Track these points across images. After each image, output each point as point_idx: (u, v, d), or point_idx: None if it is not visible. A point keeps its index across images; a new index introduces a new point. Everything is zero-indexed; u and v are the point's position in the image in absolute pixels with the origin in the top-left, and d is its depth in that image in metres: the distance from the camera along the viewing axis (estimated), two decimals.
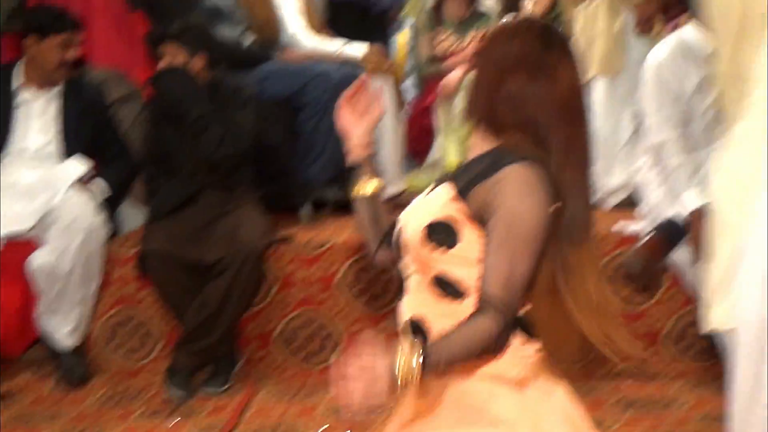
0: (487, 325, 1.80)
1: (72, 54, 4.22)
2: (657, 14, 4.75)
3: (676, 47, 3.83)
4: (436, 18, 5.60)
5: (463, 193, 1.92)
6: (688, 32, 3.85)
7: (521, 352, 1.93)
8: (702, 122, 3.80)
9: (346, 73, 4.75)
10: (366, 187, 2.16)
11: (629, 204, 4.45)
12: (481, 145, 2.03)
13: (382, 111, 2.21)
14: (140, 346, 4.24)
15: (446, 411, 1.93)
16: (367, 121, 2.18)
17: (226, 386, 4.01)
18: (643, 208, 4.06)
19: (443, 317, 1.92)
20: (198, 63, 4.16)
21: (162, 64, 4.19)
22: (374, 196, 2.17)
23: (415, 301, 1.98)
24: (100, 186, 4.24)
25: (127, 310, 4.24)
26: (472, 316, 1.84)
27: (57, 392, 4.09)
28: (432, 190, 2.02)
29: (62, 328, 4.07)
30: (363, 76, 4.71)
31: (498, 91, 1.96)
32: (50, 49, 4.18)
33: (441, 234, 1.91)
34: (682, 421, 3.45)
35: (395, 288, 3.97)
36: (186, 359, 3.97)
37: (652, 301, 4.06)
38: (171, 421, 3.73)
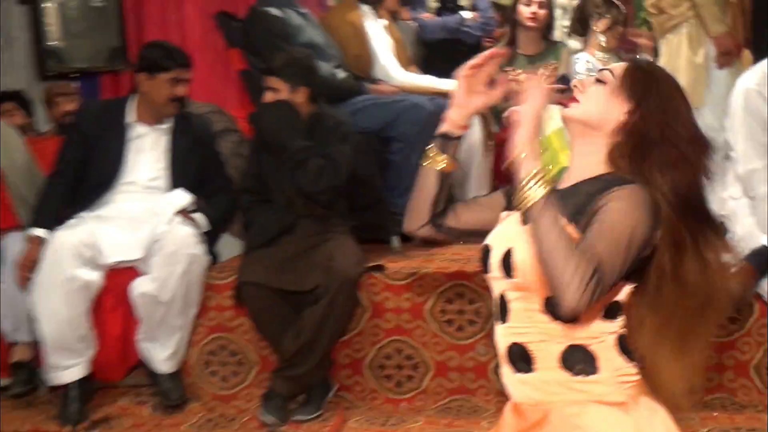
0: (583, 265, 1.74)
1: (181, 90, 4.28)
2: (736, 47, 4.71)
3: (764, 75, 3.75)
4: (509, 55, 5.53)
5: (574, 217, 1.90)
6: None
7: (625, 373, 1.94)
8: None
9: (438, 106, 4.75)
10: (438, 162, 2.11)
11: None
12: (589, 170, 2.02)
13: (498, 97, 2.17)
14: (235, 372, 4.25)
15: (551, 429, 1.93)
16: (479, 100, 2.14)
17: (319, 413, 4.00)
18: (731, 238, 3.96)
19: (549, 341, 1.93)
20: (300, 96, 4.17)
21: (266, 98, 4.21)
22: (442, 174, 2.13)
23: (519, 326, 1.96)
24: (202, 218, 4.29)
25: (223, 338, 4.26)
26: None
27: (155, 417, 4.11)
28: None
29: (161, 354, 4.10)
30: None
31: (662, 134, 1.95)
32: (160, 86, 4.25)
33: None
34: None
35: (484, 318, 3.99)
36: (282, 386, 3.98)
37: (742, 331, 3.95)
38: None
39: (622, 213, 1.84)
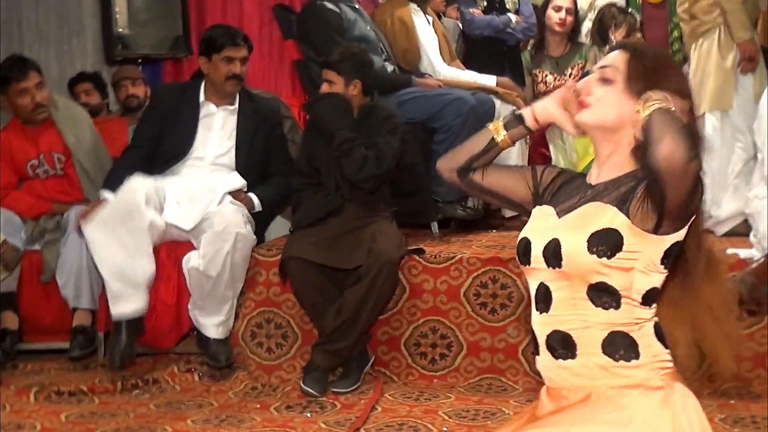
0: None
1: (237, 68, 4.37)
2: (758, 53, 4.69)
3: None
4: (536, 57, 5.55)
5: (621, 206, 1.92)
6: None
7: (662, 359, 1.95)
8: None
9: (481, 100, 4.80)
10: (498, 133, 2.11)
11: (738, 233, 4.36)
12: (624, 165, 2.01)
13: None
14: (279, 344, 4.31)
15: (585, 408, 1.93)
16: (565, 113, 2.08)
17: (356, 386, 4.05)
18: (755, 235, 3.95)
19: (592, 328, 1.94)
20: (354, 89, 4.21)
21: (322, 89, 4.25)
22: (494, 143, 2.12)
23: (562, 315, 1.97)
24: (255, 199, 4.36)
25: (269, 311, 4.32)
26: None
27: (203, 383, 4.19)
28: (569, 208, 2.01)
29: (211, 321, 4.18)
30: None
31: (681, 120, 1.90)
32: (217, 65, 4.36)
33: (602, 244, 1.91)
34: None
35: (516, 302, 4.02)
36: (322, 359, 4.03)
37: (760, 324, 3.92)
38: (304, 415, 3.77)
39: None
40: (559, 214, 2.02)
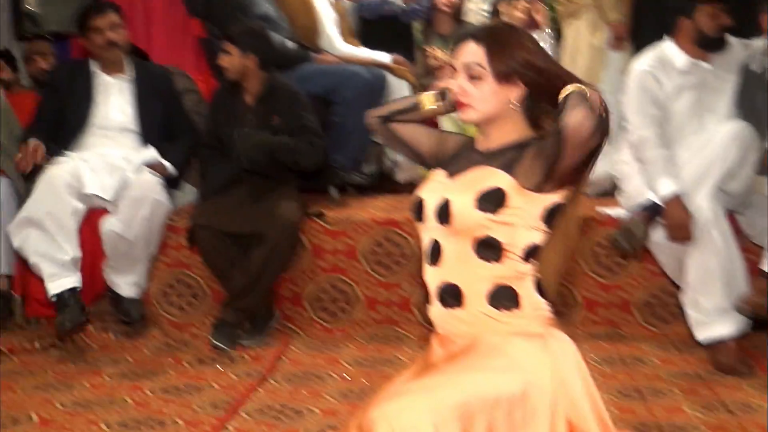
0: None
1: (112, 35, 4.28)
2: (626, 33, 4.87)
3: (656, 58, 3.89)
4: (427, 35, 5.58)
5: (507, 170, 1.98)
6: (667, 47, 3.91)
7: (540, 308, 2.02)
8: (675, 122, 3.85)
9: (375, 75, 4.86)
10: (431, 102, 2.14)
11: (607, 194, 4.52)
12: (509, 134, 2.08)
13: None
14: (190, 303, 4.34)
15: (472, 355, 1.98)
16: None
17: (263, 339, 4.11)
18: (621, 195, 4.11)
19: (478, 281, 1.99)
20: (250, 62, 4.17)
21: (219, 59, 4.21)
22: (421, 110, 2.18)
23: (450, 268, 2.02)
24: (168, 168, 4.33)
25: (179, 272, 4.34)
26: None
27: (119, 341, 4.18)
28: (459, 171, 2.06)
29: (125, 280, 4.18)
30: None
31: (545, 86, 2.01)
32: (92, 39, 4.28)
33: (488, 201, 1.96)
34: (651, 377, 3.50)
35: (408, 259, 4.11)
36: (231, 316, 4.06)
37: (626, 273, 4.12)
38: (215, 367, 3.81)
39: None
40: (451, 176, 2.10)
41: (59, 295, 3.97)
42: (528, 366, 1.96)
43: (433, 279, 2.05)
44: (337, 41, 5.14)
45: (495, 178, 1.99)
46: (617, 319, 4.11)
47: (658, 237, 3.77)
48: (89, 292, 4.27)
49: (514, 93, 2.02)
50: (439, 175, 2.12)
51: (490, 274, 2.00)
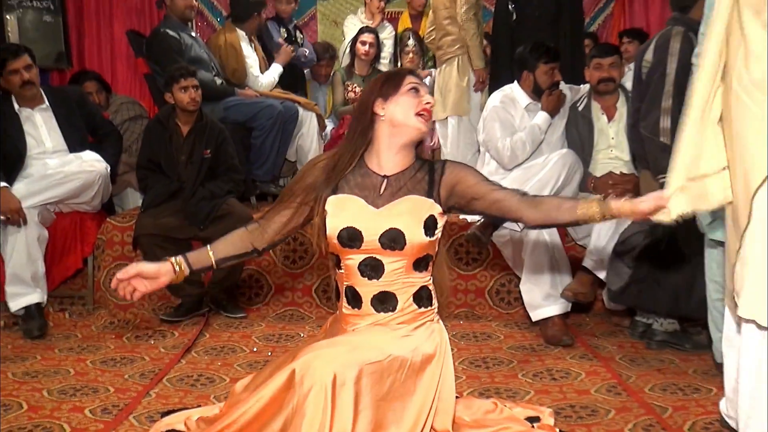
0: None
1: (26, 75, 3.84)
2: (487, 77, 4.85)
3: (505, 96, 3.84)
4: (348, 73, 5.48)
5: (429, 195, 1.96)
6: (514, 88, 3.87)
7: (436, 304, 2.08)
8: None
9: (287, 106, 4.73)
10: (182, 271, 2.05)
11: None
12: (404, 161, 2.03)
13: None
14: None
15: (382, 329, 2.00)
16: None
17: (188, 318, 3.89)
18: None
19: (409, 288, 1.98)
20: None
21: (191, 95, 3.90)
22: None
23: (390, 280, 1.97)
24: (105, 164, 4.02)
25: (123, 264, 3.98)
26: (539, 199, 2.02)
27: (72, 320, 3.95)
28: (381, 200, 2.01)
29: None
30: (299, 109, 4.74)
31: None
32: (8, 79, 3.86)
33: (430, 227, 1.95)
34: (495, 349, 3.42)
35: (311, 255, 3.96)
36: (221, 295, 3.96)
37: (481, 266, 4.05)
38: (149, 342, 3.60)
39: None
40: (374, 205, 1.99)
41: (26, 308, 3.72)
42: (422, 340, 1.99)
43: (369, 289, 1.98)
44: (259, 78, 4.95)
45: (427, 206, 1.96)
46: (473, 303, 4.02)
47: (503, 237, 3.68)
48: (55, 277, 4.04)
49: None
50: (354, 202, 2.00)
51: (418, 279, 1.99)
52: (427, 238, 1.95)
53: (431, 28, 5.25)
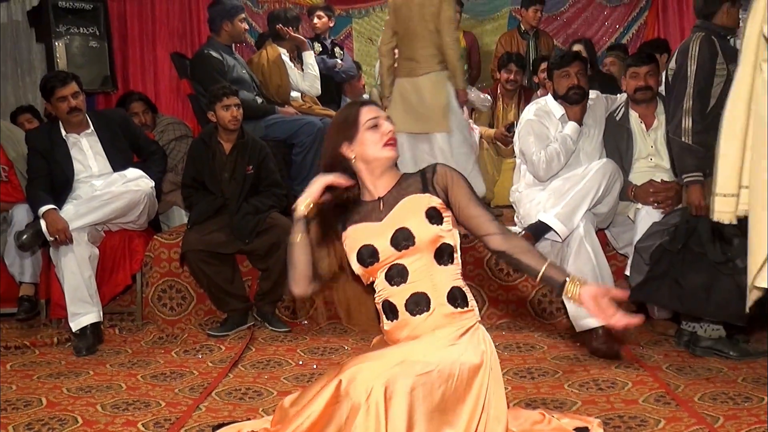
0: None
1: (72, 102, 3.87)
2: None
3: (539, 109, 3.81)
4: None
5: (425, 192, 1.98)
6: (549, 100, 3.85)
7: (473, 305, 2.06)
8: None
9: (326, 123, 4.72)
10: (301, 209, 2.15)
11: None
12: (392, 179, 2.06)
13: None
14: (179, 304, 4.12)
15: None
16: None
17: (233, 332, 3.91)
18: (516, 216, 3.99)
19: (438, 284, 1.95)
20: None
21: (233, 113, 3.93)
22: (307, 246, 2.14)
23: (417, 281, 1.95)
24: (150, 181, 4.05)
25: (170, 280, 4.13)
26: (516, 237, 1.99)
27: (122, 336, 3.99)
28: (384, 214, 2.02)
29: None
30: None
31: None
32: (56, 105, 3.91)
33: (433, 216, 1.95)
34: (539, 360, 3.35)
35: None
36: (267, 307, 3.98)
37: (521, 277, 3.96)
38: (197, 357, 3.62)
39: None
40: (378, 221, 1.99)
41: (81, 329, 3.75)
42: (469, 346, 1.96)
43: (400, 295, 1.96)
44: (300, 96, 5.00)
45: (425, 199, 1.96)
46: (515, 314, 3.97)
47: (544, 248, 3.64)
48: (105, 294, 4.07)
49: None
50: (364, 228, 2.02)
51: (447, 276, 1.95)
52: (435, 227, 1.94)
53: None
